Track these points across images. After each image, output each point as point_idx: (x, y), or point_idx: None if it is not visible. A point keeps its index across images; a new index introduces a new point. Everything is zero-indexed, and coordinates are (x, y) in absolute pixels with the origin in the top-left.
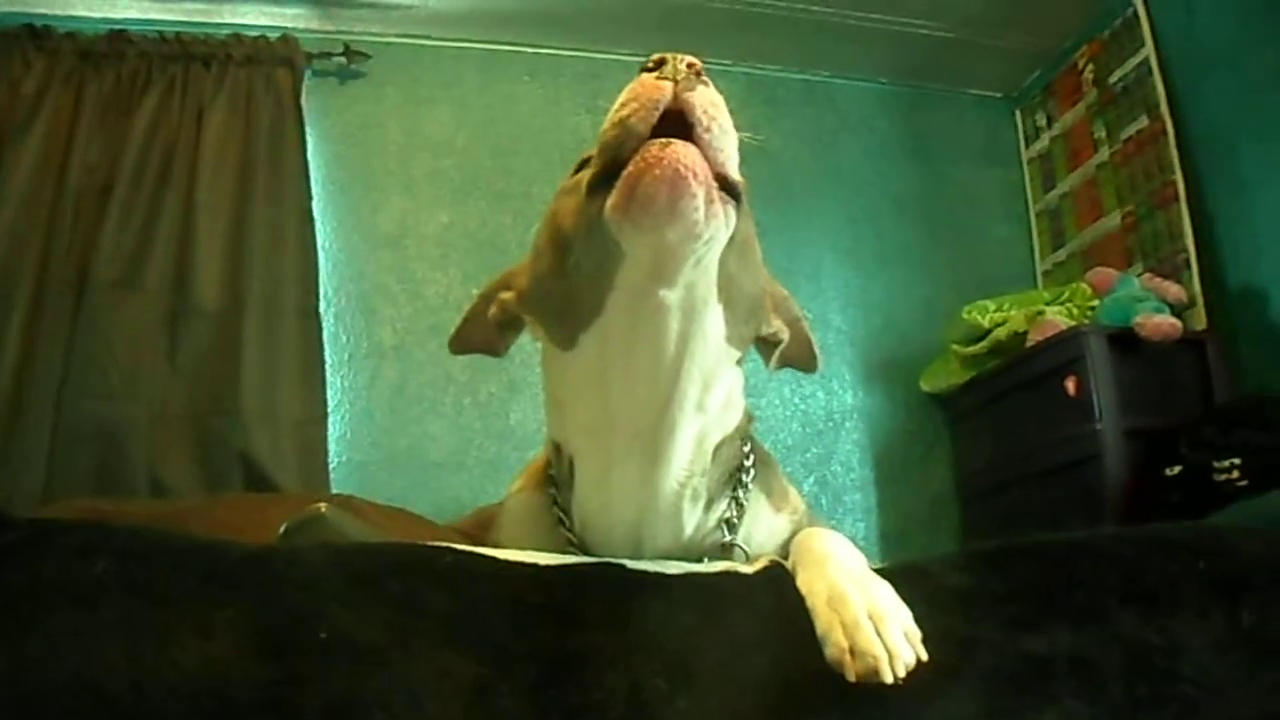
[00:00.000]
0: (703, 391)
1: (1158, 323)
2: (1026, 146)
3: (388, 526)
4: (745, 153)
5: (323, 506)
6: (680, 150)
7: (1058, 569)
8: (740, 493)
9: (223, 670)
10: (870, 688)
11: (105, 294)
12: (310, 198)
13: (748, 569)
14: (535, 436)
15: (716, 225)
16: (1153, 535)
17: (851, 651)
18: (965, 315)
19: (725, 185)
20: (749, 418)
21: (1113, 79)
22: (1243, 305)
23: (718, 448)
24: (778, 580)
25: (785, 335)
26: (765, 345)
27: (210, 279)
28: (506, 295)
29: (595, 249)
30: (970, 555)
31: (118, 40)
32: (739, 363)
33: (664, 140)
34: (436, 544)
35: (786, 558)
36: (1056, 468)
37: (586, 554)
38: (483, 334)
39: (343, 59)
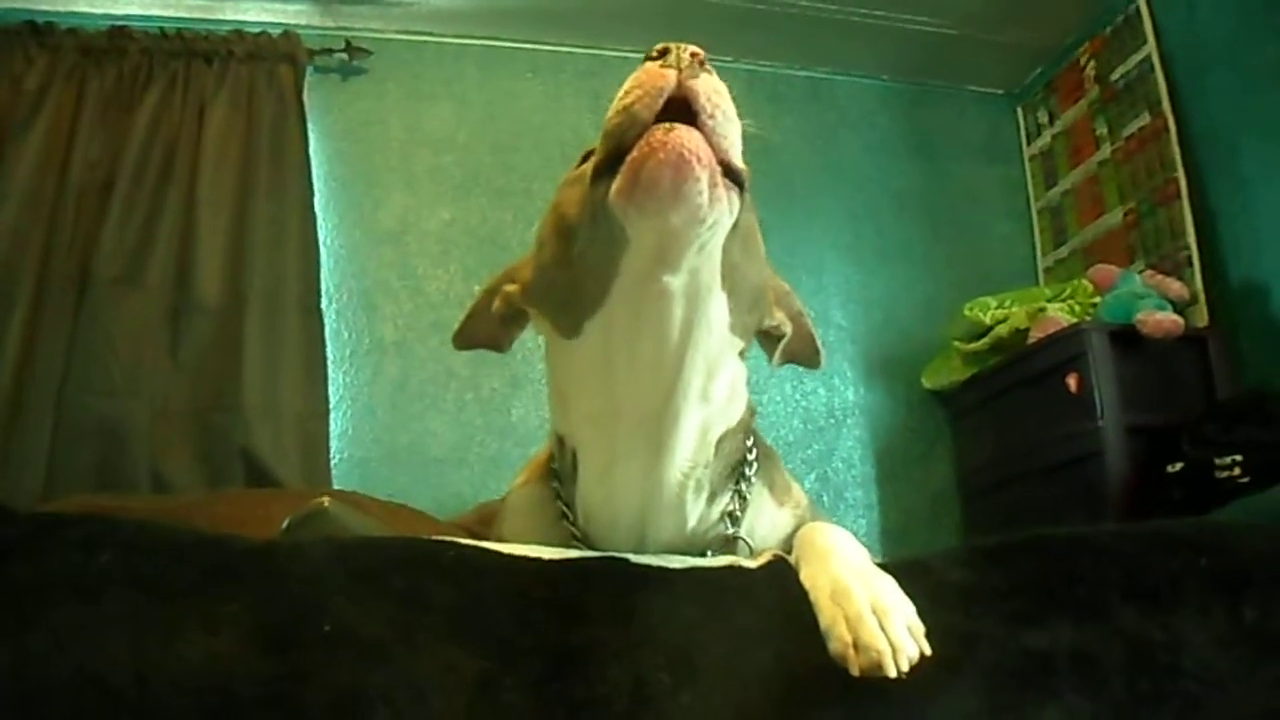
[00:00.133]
0: (706, 380)
1: (1159, 319)
2: (1028, 143)
3: (389, 522)
4: (747, 149)
5: (326, 501)
6: (684, 134)
7: (1059, 565)
8: (743, 486)
9: (226, 665)
10: (873, 682)
11: (107, 290)
12: (312, 194)
13: (751, 563)
14: (537, 433)
15: (720, 210)
16: (1154, 531)
17: (855, 646)
18: (967, 312)
19: (729, 172)
20: (752, 411)
21: (1114, 76)
22: (1244, 302)
23: (720, 440)
24: (781, 575)
25: (788, 329)
26: (768, 339)
27: (212, 275)
28: (510, 288)
29: (600, 235)
30: (972, 551)
31: (119, 36)
32: (742, 355)
33: (668, 125)
34: (440, 538)
35: (789, 552)
36: (1058, 464)
37: (590, 547)
38: (486, 329)
39: (344, 55)
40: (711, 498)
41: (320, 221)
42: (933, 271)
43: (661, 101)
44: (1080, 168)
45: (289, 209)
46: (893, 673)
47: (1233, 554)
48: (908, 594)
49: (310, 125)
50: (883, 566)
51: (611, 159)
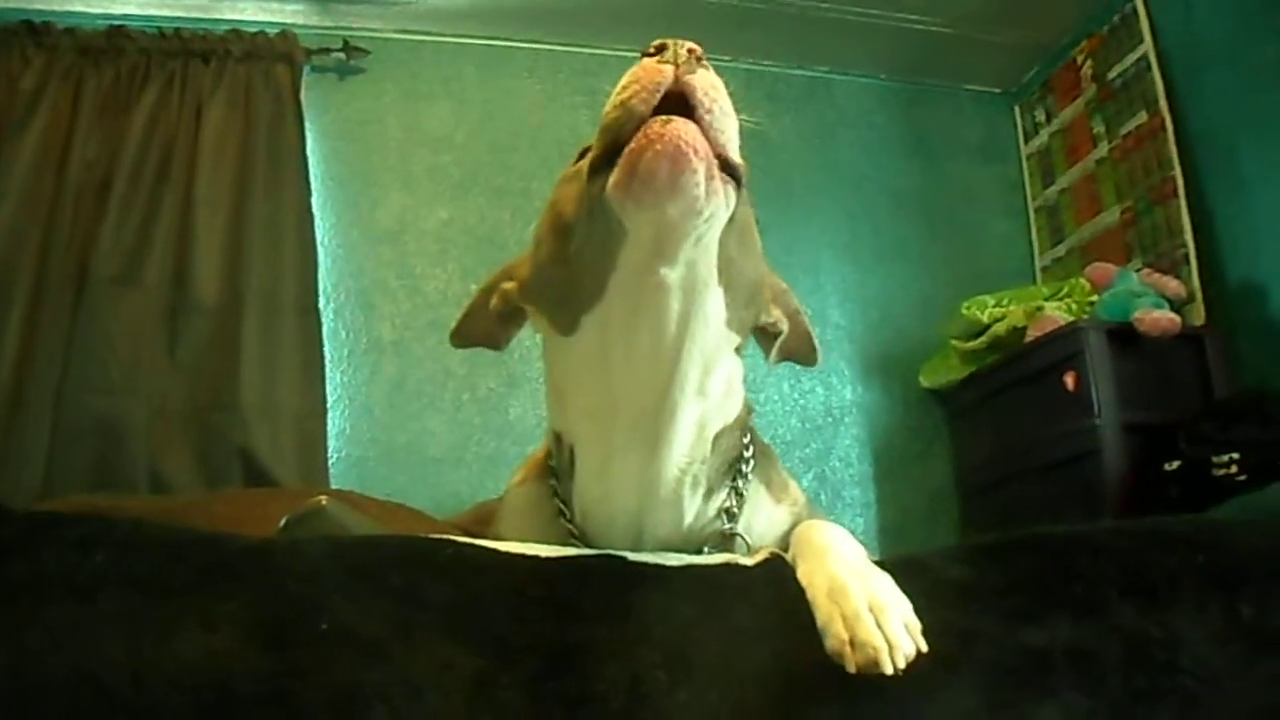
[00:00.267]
0: (703, 375)
1: (1156, 318)
2: (1025, 142)
3: (387, 521)
4: (743, 145)
5: (323, 499)
6: (681, 127)
7: (1057, 562)
8: (740, 483)
9: (224, 663)
10: (870, 679)
11: (104, 289)
12: (309, 193)
13: (748, 561)
14: (534, 432)
15: (717, 203)
16: (1152, 529)
17: (852, 643)
18: (964, 311)
19: (726, 166)
20: (749, 409)
21: (1111, 75)
22: (1242, 300)
23: (718, 437)
24: (778, 572)
25: (785, 326)
26: (765, 336)
27: (209, 274)
28: (508, 286)
29: (597, 230)
30: (970, 548)
31: (116, 36)
32: (739, 352)
33: (665, 117)
34: (437, 536)
35: (786, 550)
36: (1055, 463)
37: (587, 545)
38: (484, 327)
39: (342, 55)
40: (708, 494)
41: (318, 221)
42: (930, 270)
43: (659, 96)
44: (1077, 166)
45: (286, 208)
46: (889, 670)
47: (1230, 551)
48: (905, 591)
49: (308, 125)
50: (880, 564)
51: (608, 153)
